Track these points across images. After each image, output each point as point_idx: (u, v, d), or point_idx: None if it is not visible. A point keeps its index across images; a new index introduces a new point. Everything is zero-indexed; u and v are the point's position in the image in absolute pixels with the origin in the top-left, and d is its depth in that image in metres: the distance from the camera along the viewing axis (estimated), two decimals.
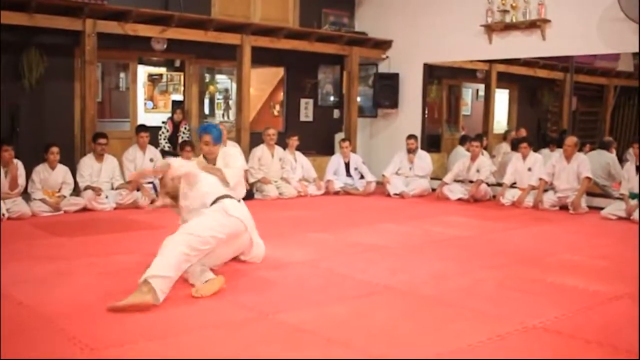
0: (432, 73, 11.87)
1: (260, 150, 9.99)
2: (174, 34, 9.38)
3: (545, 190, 9.17)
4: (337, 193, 10.41)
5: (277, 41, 10.42)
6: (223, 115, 13.71)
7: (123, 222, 7.65)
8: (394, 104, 11.62)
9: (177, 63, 11.63)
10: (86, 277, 4.96)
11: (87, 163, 8.65)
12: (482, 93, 12.92)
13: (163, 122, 10.33)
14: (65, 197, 8.22)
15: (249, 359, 3.43)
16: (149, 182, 9.02)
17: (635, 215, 8.04)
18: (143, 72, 12.49)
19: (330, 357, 3.45)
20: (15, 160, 7.71)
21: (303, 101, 12.22)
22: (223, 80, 13.44)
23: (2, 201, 7.43)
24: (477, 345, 3.65)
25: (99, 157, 8.70)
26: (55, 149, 8.13)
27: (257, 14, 10.98)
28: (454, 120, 13.53)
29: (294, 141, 10.44)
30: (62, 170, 8.28)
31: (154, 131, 9.71)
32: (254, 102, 12.66)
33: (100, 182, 8.66)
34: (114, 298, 4.21)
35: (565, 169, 9.01)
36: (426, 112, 11.64)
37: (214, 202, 4.99)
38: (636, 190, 8.19)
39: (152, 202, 7.19)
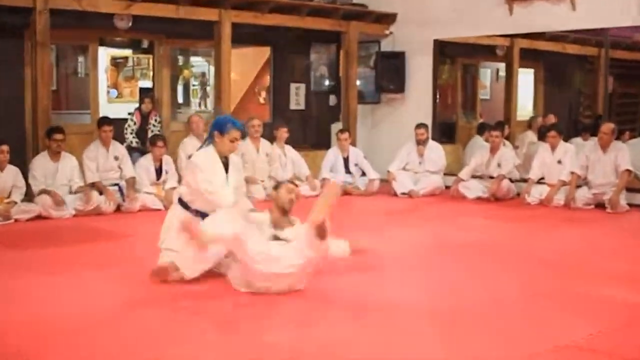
0: (444, 51, 11.92)
1: (244, 145, 9.99)
2: (140, 9, 9.38)
3: (578, 186, 9.20)
4: None
5: (261, 16, 10.42)
6: (199, 104, 13.73)
7: (84, 232, 7.64)
8: (399, 87, 11.65)
9: (145, 44, 11.62)
10: (41, 297, 4.97)
11: (41, 163, 8.62)
12: (502, 73, 12.98)
13: (129, 114, 10.35)
14: (16, 203, 8.21)
15: None
16: (115, 184, 9.04)
17: None
18: (105, 55, 12.48)
19: None
20: None
21: (293, 86, 12.26)
22: (199, 64, 13.44)
23: None
24: None
25: (55, 155, 8.66)
26: (4, 147, 8.13)
27: None
28: (470, 105, 13.60)
29: (282, 133, 10.46)
30: (12, 172, 8.29)
31: (119, 124, 9.70)
32: (236, 88, 12.70)
33: (57, 185, 8.63)
34: (73, 321, 4.24)
35: (600, 160, 9.04)
36: (437, 96, 11.63)
37: None
38: None
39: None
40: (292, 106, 12.29)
